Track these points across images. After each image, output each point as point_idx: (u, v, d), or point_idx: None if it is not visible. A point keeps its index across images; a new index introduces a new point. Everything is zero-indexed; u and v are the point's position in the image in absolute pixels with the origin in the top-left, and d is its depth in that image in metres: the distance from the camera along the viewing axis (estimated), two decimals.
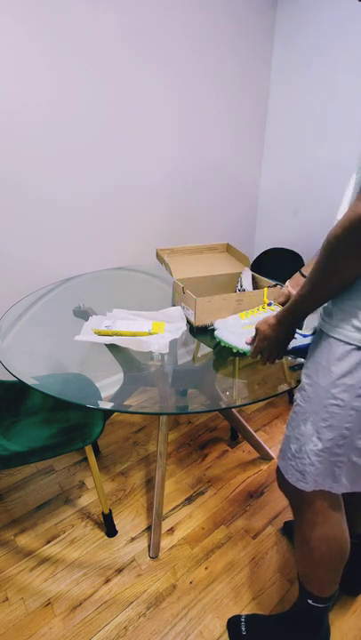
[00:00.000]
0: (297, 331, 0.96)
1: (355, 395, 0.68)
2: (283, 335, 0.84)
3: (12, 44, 1.27)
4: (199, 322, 1.18)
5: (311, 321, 1.15)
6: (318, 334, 0.76)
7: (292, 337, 0.86)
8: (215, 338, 1.09)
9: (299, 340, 0.97)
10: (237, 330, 1.04)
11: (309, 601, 0.90)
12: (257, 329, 0.89)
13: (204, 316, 1.18)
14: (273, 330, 0.84)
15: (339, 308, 0.69)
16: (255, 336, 0.91)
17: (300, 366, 1.01)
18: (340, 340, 0.68)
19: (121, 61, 1.52)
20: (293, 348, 0.98)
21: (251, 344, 0.93)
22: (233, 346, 1.03)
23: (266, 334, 0.86)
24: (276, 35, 1.95)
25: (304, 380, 0.77)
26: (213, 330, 1.15)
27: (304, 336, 0.97)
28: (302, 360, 1.00)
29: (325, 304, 0.74)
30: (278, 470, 0.88)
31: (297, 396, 0.80)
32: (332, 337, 0.70)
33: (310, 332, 0.98)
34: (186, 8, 1.62)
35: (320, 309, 0.77)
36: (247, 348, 0.99)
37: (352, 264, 0.61)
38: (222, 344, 1.05)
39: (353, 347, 0.66)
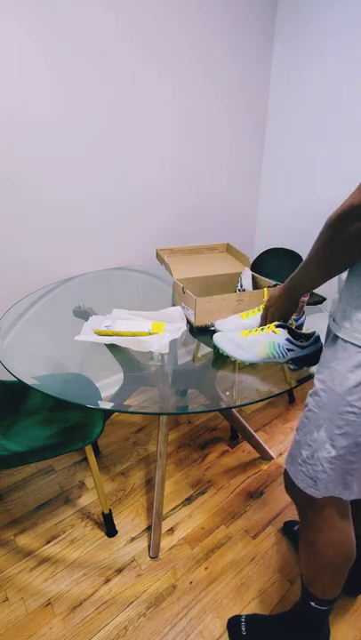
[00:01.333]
0: (295, 342, 0.97)
1: None
2: (286, 300, 0.91)
3: (12, 44, 1.27)
4: (199, 322, 1.18)
5: (310, 322, 1.15)
6: (333, 339, 0.74)
7: (295, 307, 0.93)
8: (215, 346, 1.09)
9: (297, 352, 0.98)
10: (236, 339, 1.04)
11: (312, 603, 0.90)
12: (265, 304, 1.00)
13: (204, 316, 1.18)
14: (278, 293, 0.92)
15: (355, 314, 0.68)
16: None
17: (299, 367, 1.01)
18: (358, 347, 0.67)
19: (121, 62, 1.52)
20: (293, 359, 0.99)
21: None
22: (231, 355, 1.03)
23: (272, 294, 0.96)
24: (276, 35, 1.95)
25: (318, 385, 0.76)
26: (214, 331, 1.15)
27: (302, 347, 0.98)
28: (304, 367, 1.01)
29: (339, 307, 0.73)
30: (286, 474, 0.87)
31: (309, 400, 0.78)
32: (350, 343, 0.68)
33: (309, 341, 0.98)
34: (186, 8, 1.62)
35: (333, 312, 0.76)
36: (245, 358, 1.00)
37: (343, 248, 0.66)
38: (220, 352, 1.05)
39: None
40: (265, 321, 1.01)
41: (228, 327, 1.13)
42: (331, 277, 0.73)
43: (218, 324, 1.15)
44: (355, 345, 0.68)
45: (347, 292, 0.72)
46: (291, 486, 0.85)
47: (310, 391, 0.79)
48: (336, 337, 0.72)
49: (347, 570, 0.86)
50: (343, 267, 0.70)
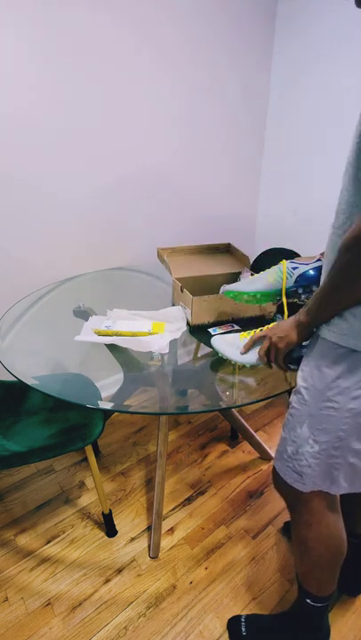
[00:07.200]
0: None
1: (350, 397, 0.68)
2: (299, 338, 0.78)
3: (10, 41, 1.27)
4: (196, 321, 1.19)
5: None
6: (315, 338, 0.76)
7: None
8: (213, 347, 1.08)
9: (298, 352, 0.97)
10: (236, 342, 1.03)
11: (308, 600, 0.90)
12: (269, 337, 0.84)
13: (201, 315, 1.18)
14: (290, 329, 0.79)
15: None
16: (263, 344, 0.87)
17: (299, 367, 1.01)
18: (335, 344, 0.68)
19: (120, 63, 1.52)
20: (295, 359, 0.98)
21: (246, 353, 0.93)
22: (232, 359, 1.02)
23: (284, 329, 0.80)
24: (276, 42, 1.96)
25: (300, 382, 0.77)
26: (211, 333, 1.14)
27: (302, 347, 0.97)
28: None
29: None
30: (275, 470, 0.88)
31: (293, 398, 0.80)
32: (327, 340, 0.70)
33: (309, 341, 0.98)
34: (186, 15, 1.61)
35: None
36: (246, 360, 1.00)
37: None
38: (220, 356, 1.05)
39: (346, 349, 0.66)
40: (266, 358, 0.87)
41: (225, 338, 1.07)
42: (352, 305, 0.64)
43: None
44: (332, 342, 0.69)
45: None
46: (279, 482, 0.86)
47: (294, 389, 0.80)
48: (317, 335, 0.74)
49: (339, 564, 0.87)
50: None
